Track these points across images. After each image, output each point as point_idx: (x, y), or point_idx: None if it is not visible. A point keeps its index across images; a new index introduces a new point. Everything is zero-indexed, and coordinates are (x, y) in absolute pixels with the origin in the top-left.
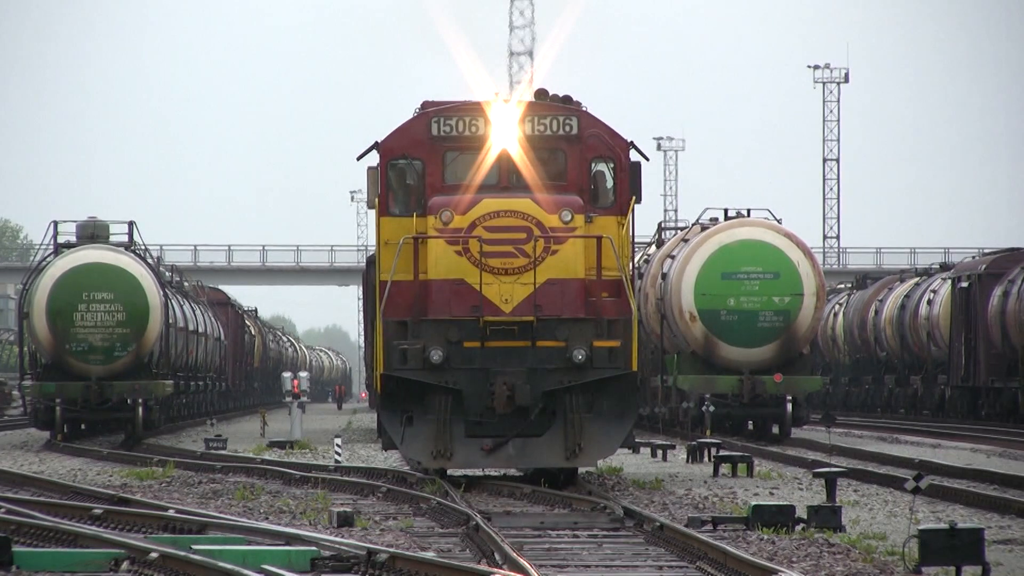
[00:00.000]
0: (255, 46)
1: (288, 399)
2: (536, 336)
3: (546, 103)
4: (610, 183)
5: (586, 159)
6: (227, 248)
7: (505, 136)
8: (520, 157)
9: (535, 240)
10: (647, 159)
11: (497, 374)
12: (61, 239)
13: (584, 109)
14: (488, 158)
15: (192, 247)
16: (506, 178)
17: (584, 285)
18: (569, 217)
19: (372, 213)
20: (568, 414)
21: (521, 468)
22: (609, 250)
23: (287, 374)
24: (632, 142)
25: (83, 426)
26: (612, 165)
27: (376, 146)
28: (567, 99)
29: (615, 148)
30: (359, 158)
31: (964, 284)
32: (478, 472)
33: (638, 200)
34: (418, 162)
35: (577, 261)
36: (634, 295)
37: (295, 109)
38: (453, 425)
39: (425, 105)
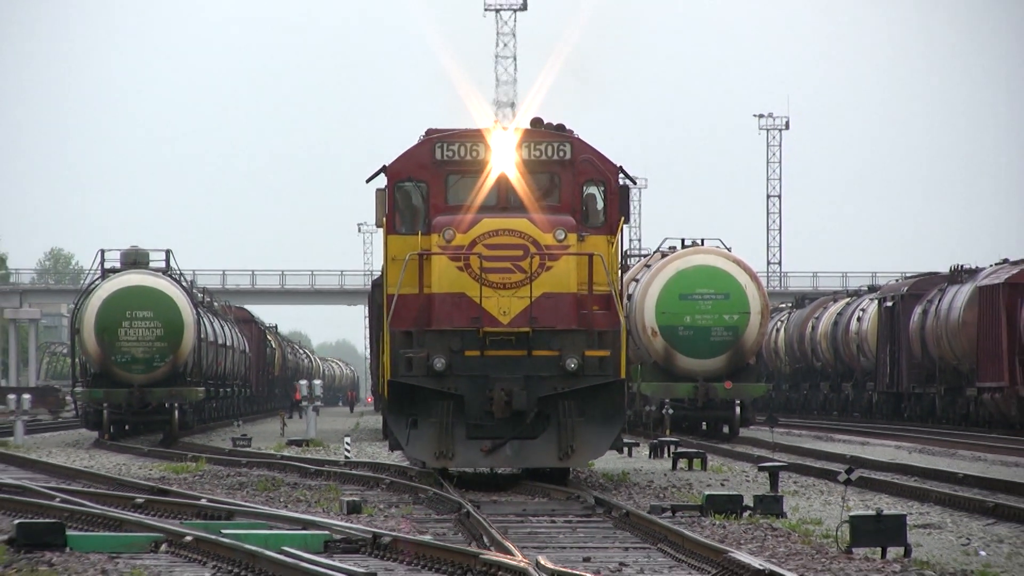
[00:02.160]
0: (274, 97)
1: (304, 403)
2: (532, 346)
3: (541, 130)
4: (600, 204)
5: (578, 182)
6: (251, 273)
7: (503, 160)
8: (517, 180)
9: (531, 257)
10: (635, 183)
11: (496, 381)
12: (107, 265)
13: (576, 136)
14: (488, 181)
15: (221, 272)
16: (504, 199)
17: (576, 299)
18: (563, 236)
19: (380, 232)
20: (561, 418)
21: (517, 468)
22: (600, 266)
23: (303, 382)
24: (621, 167)
25: (127, 427)
26: (602, 188)
27: (384, 169)
28: (560, 127)
29: (605, 172)
30: (368, 180)
31: (889, 304)
32: (468, 468)
33: (626, 220)
34: (423, 184)
35: (570, 276)
36: (622, 308)
37: (310, 151)
38: (455, 428)
39: (429, 132)
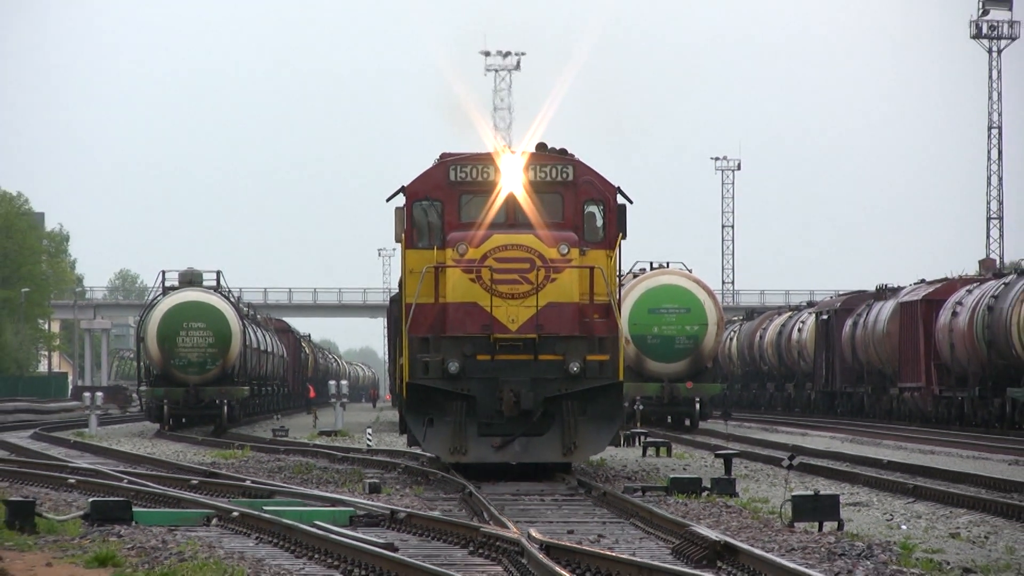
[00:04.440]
0: (308, 141)
1: (332, 400)
2: (538, 351)
3: (545, 154)
4: (600, 222)
5: (580, 201)
6: (288, 290)
7: (512, 181)
8: (524, 199)
9: (537, 270)
10: (631, 202)
11: (505, 383)
12: (167, 283)
13: (578, 159)
14: (497, 200)
15: (263, 289)
16: (512, 217)
17: (579, 308)
18: (566, 250)
19: (399, 246)
20: (565, 417)
21: (525, 462)
22: (600, 278)
23: (332, 382)
24: (619, 187)
25: (183, 420)
26: (602, 206)
27: (403, 190)
28: (563, 151)
29: (604, 192)
30: (388, 199)
31: (825, 317)
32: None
33: (624, 236)
34: (438, 203)
35: (573, 287)
36: (620, 317)
37: (339, 186)
38: (467, 426)
39: (443, 156)
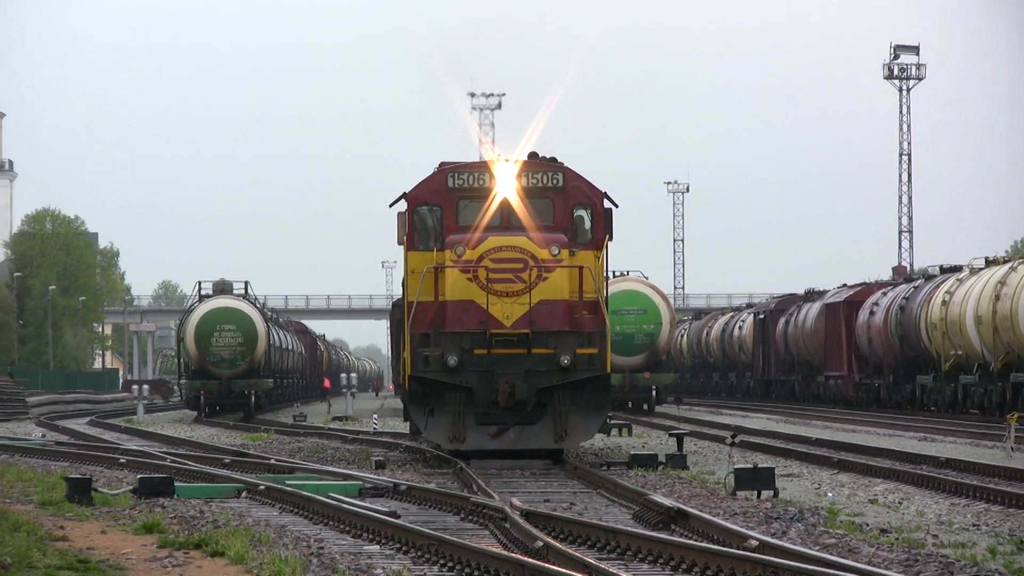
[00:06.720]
0: (322, 162)
1: (344, 389)
2: (531, 345)
3: (537, 162)
4: (588, 224)
5: (569, 205)
6: (305, 297)
7: (506, 188)
8: (518, 204)
9: (530, 269)
10: (617, 206)
11: (500, 375)
12: (203, 292)
13: (567, 166)
14: (493, 205)
15: (284, 296)
16: (507, 220)
17: (569, 305)
18: (557, 251)
19: (401, 249)
20: (557, 407)
21: (519, 448)
22: (588, 277)
23: (343, 374)
24: (606, 192)
25: (217, 408)
26: (590, 210)
27: (404, 196)
28: (553, 159)
29: (592, 197)
30: (391, 205)
31: (761, 316)
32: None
33: (610, 238)
34: (437, 208)
35: (563, 286)
36: (607, 313)
37: (350, 207)
38: (466, 415)
39: (442, 164)
